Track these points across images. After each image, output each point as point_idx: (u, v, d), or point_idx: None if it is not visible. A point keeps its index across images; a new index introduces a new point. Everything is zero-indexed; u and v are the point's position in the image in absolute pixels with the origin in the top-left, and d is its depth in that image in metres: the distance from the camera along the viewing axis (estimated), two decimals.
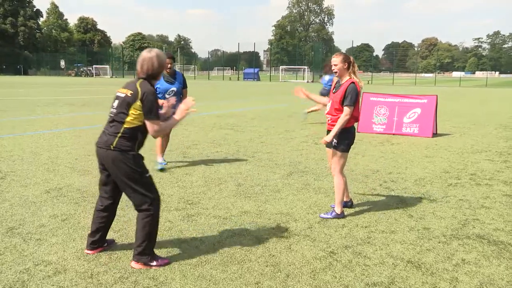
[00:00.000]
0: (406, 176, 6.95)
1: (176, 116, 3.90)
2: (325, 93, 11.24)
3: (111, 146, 3.67)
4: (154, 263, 3.80)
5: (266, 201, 5.67)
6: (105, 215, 3.97)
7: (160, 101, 4.53)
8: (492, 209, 5.48)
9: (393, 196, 5.90)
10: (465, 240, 4.46)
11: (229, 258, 3.96)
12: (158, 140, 7.13)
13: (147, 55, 3.75)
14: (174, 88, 6.93)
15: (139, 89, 3.64)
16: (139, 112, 3.64)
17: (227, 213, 5.19)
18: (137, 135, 3.73)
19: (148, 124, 3.68)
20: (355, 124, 5.14)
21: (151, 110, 3.65)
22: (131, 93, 3.65)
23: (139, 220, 3.79)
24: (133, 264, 3.79)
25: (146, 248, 3.77)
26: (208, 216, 5.08)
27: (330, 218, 5.03)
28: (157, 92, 6.08)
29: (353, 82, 4.88)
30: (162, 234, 4.47)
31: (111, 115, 3.75)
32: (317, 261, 3.93)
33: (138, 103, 3.62)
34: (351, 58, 4.99)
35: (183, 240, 4.35)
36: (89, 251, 4.00)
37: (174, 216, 5.04)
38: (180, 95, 7.02)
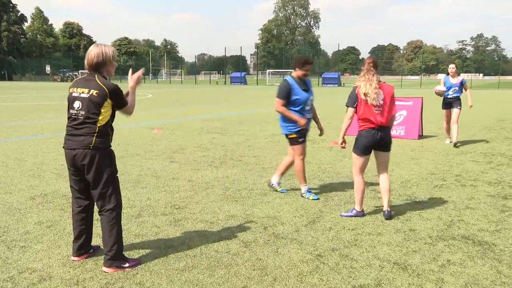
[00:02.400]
0: (393, 178, 6.99)
1: (130, 84, 3.93)
2: None
3: (90, 145, 3.67)
4: (127, 264, 3.80)
5: (253, 205, 5.67)
6: (84, 216, 3.94)
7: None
8: (477, 209, 5.54)
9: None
10: (450, 241, 4.50)
11: (216, 263, 3.95)
12: (288, 159, 6.30)
13: (91, 48, 3.80)
14: (312, 97, 6.01)
15: (104, 87, 3.67)
16: (108, 108, 3.71)
17: (214, 217, 5.18)
18: (109, 130, 3.79)
19: (123, 111, 3.82)
20: (369, 129, 5.04)
21: (122, 101, 3.78)
22: (97, 93, 3.66)
23: (105, 223, 3.78)
24: (105, 269, 3.77)
25: (117, 251, 3.77)
26: (195, 220, 5.07)
27: (351, 216, 5.22)
28: (298, 104, 5.77)
29: (355, 86, 5.16)
30: (149, 239, 4.45)
31: (79, 117, 3.69)
32: (304, 264, 3.94)
33: (108, 101, 3.68)
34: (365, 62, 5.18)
35: (170, 245, 4.33)
36: (75, 258, 3.96)
37: (161, 221, 5.01)
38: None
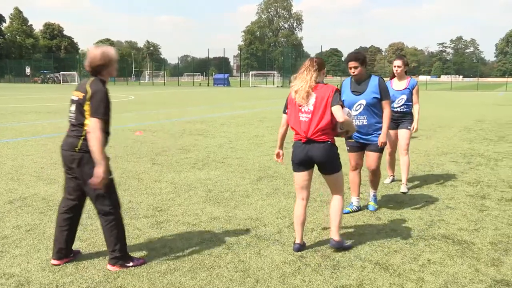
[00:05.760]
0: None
1: (100, 164, 3.58)
2: None
3: (76, 148, 3.66)
4: (131, 263, 3.84)
5: (236, 206, 5.66)
6: (69, 217, 3.89)
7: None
8: (457, 209, 5.62)
9: (361, 199, 5.97)
10: (431, 241, 4.56)
11: (198, 265, 3.93)
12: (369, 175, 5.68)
13: (92, 49, 3.74)
14: (362, 101, 5.15)
15: (88, 89, 3.63)
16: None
17: (197, 219, 5.16)
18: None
19: (92, 121, 3.58)
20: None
21: (97, 108, 3.59)
22: (83, 95, 3.64)
23: (104, 225, 3.79)
24: (109, 267, 3.80)
25: (120, 250, 3.80)
26: (177, 223, 5.04)
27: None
28: (347, 106, 4.96)
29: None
30: (130, 242, 4.40)
31: (71, 119, 3.74)
32: (287, 266, 3.94)
33: (87, 103, 3.61)
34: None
35: (152, 247, 4.30)
36: (55, 261, 3.90)
37: (142, 224, 4.97)
38: (375, 108, 5.18)
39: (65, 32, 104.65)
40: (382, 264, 4.00)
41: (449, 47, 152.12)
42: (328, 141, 4.13)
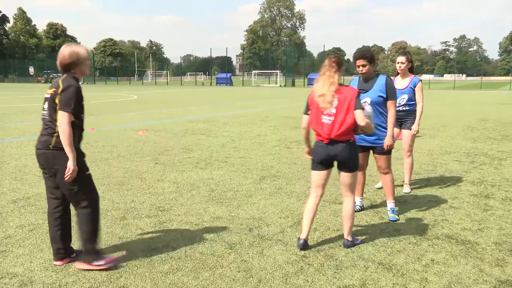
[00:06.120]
0: (377, 179, 7.03)
1: (69, 156, 3.61)
2: None
3: (50, 146, 3.67)
4: (102, 262, 3.79)
5: (239, 206, 5.65)
6: (58, 216, 3.90)
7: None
8: (460, 209, 5.60)
9: (364, 198, 5.96)
10: (434, 241, 4.54)
11: (201, 265, 3.92)
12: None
13: (62, 48, 3.77)
14: (367, 99, 5.05)
15: (60, 84, 3.66)
16: None
17: (199, 219, 5.15)
18: (74, 131, 3.68)
19: (60, 114, 3.59)
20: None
21: (66, 102, 3.60)
22: (54, 91, 3.66)
23: (79, 220, 3.78)
24: (78, 264, 3.78)
25: (90, 248, 3.76)
26: (180, 222, 5.04)
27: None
28: None
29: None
30: (133, 242, 4.41)
31: (44, 116, 3.75)
32: (289, 265, 3.93)
33: (58, 97, 3.62)
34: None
35: (154, 247, 4.30)
36: (57, 262, 3.90)
37: (145, 224, 4.97)
38: (380, 107, 5.11)
39: (68, 32, 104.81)
40: (385, 264, 3.99)
41: (452, 45, 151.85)
42: (350, 139, 4.24)
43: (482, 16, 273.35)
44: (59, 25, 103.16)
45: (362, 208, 5.58)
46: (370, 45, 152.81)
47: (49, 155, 3.68)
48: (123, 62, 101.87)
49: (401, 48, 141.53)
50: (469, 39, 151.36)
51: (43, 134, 3.74)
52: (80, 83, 3.84)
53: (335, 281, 3.66)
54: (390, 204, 5.34)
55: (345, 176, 4.35)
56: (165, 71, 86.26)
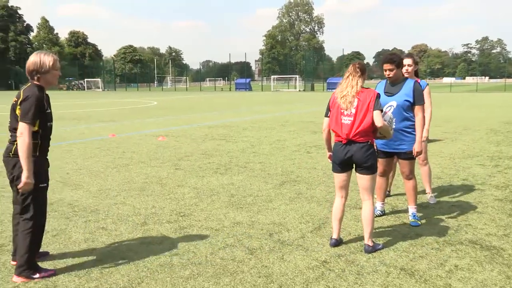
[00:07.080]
0: (399, 183, 6.94)
1: (24, 169, 3.57)
2: None
3: (10, 153, 3.71)
4: (37, 275, 3.75)
5: (259, 211, 5.64)
6: (17, 223, 3.86)
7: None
8: (484, 214, 5.49)
9: (386, 203, 5.89)
10: (457, 246, 4.46)
11: (221, 270, 3.92)
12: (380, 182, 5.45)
13: (31, 56, 3.79)
14: (393, 102, 5.00)
15: (21, 94, 3.68)
16: None
17: (219, 224, 5.16)
18: (36, 139, 3.68)
19: (20, 125, 3.58)
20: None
21: (26, 113, 3.58)
22: (15, 100, 3.70)
23: (20, 230, 3.74)
24: (15, 278, 3.72)
25: (27, 260, 3.71)
26: (200, 228, 5.05)
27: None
28: None
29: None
30: (154, 247, 4.44)
31: (8, 125, 3.79)
32: (310, 271, 3.90)
33: (18, 107, 3.64)
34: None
35: (175, 253, 4.32)
36: (14, 262, 3.90)
37: (166, 229, 5.00)
38: (405, 111, 5.00)
39: (89, 40, 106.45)
40: (408, 269, 3.93)
41: (474, 47, 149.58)
42: (368, 141, 4.30)
43: (505, 16, 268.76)
44: (80, 33, 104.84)
45: (383, 213, 5.52)
46: (390, 49, 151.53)
47: (9, 161, 3.72)
48: (143, 68, 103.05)
49: (421, 52, 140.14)
50: (491, 40, 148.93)
51: (8, 142, 3.78)
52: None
53: (356, 286, 3.62)
54: (412, 209, 5.26)
55: (362, 179, 4.40)
56: (184, 77, 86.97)
